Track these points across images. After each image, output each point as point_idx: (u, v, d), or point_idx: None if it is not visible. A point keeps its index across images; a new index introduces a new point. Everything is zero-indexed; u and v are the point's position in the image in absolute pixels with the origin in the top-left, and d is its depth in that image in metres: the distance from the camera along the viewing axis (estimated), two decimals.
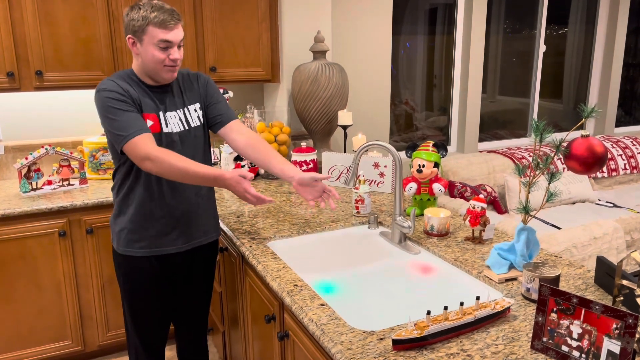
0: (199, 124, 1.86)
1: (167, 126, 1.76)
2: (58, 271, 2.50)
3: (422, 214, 2.16)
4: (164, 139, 1.75)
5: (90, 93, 2.93)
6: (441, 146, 2.13)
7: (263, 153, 1.84)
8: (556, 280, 1.40)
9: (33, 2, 2.45)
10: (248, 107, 3.06)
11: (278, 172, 1.83)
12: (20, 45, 2.48)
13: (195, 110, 1.85)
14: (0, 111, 2.81)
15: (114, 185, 1.83)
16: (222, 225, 2.16)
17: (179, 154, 1.70)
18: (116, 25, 2.63)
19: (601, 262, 1.47)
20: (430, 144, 2.13)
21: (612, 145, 4.45)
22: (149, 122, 1.72)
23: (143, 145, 1.61)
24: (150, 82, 1.77)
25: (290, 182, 1.84)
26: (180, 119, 1.80)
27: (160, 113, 1.76)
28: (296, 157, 2.71)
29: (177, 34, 1.70)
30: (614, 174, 4.36)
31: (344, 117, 2.87)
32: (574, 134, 4.09)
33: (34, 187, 2.59)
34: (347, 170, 2.62)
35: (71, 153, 2.66)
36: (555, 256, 1.73)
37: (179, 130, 1.79)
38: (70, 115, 2.95)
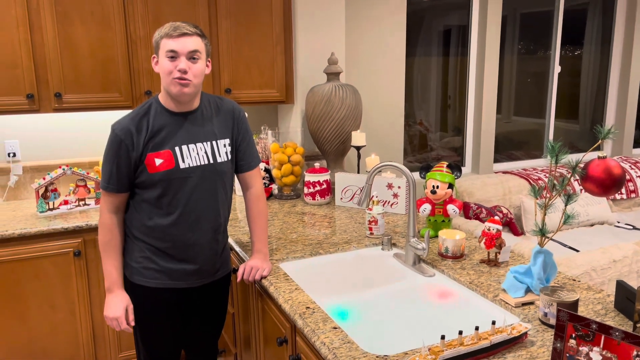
0: (226, 159, 1.81)
1: (183, 161, 1.71)
2: (72, 291, 2.51)
3: (436, 236, 2.14)
4: (177, 175, 1.71)
5: (107, 114, 2.98)
6: (455, 167, 2.11)
7: (252, 219, 1.92)
8: (575, 304, 1.37)
9: (54, 25, 2.51)
10: (262, 127, 3.08)
11: (251, 238, 1.93)
12: (40, 68, 2.54)
13: (225, 146, 1.81)
14: (19, 132, 2.87)
15: (127, 214, 1.79)
16: (235, 245, 2.15)
17: (156, 211, 1.74)
18: (133, 47, 2.68)
19: (621, 286, 1.43)
20: (444, 165, 2.12)
21: (630, 166, 4.38)
22: (158, 161, 1.68)
23: (103, 206, 1.75)
24: (174, 108, 1.72)
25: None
26: (206, 152, 1.76)
27: (177, 148, 1.71)
28: (309, 177, 2.71)
29: (184, 43, 1.63)
30: (633, 195, 4.28)
31: (358, 137, 2.87)
32: (590, 155, 4.04)
33: (51, 206, 2.62)
34: (361, 191, 2.61)
35: (87, 173, 2.69)
36: (574, 280, 1.69)
37: (201, 163, 1.74)
38: (87, 135, 3.00)
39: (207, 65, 1.74)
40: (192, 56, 1.66)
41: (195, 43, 1.66)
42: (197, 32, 1.68)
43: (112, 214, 1.75)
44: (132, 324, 1.80)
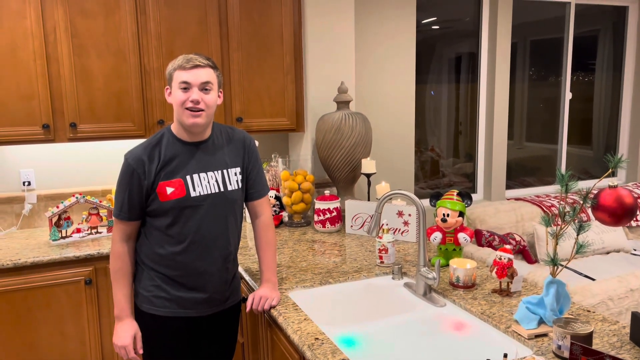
0: (236, 187, 1.82)
1: (194, 190, 1.73)
2: (82, 319, 2.51)
3: (447, 265, 2.11)
4: (188, 204, 1.72)
5: (120, 143, 3.02)
6: (466, 195, 2.10)
7: (261, 247, 1.93)
8: (589, 337, 1.34)
9: (70, 58, 2.58)
10: (273, 155, 3.10)
11: (260, 266, 1.93)
12: (56, 99, 2.60)
13: (236, 174, 1.83)
14: (34, 161, 2.92)
15: (139, 242, 1.81)
16: (244, 274, 2.15)
17: (166, 240, 1.75)
18: (147, 78, 2.73)
19: (636, 318, 1.40)
20: (455, 193, 2.11)
21: None
22: (169, 190, 1.70)
23: (115, 234, 1.77)
24: (186, 138, 1.75)
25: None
26: (217, 181, 1.77)
27: (188, 177, 1.73)
28: (320, 204, 2.71)
29: (196, 74, 1.66)
30: None
31: (368, 165, 2.88)
32: (602, 184, 3.99)
33: (64, 235, 2.64)
34: (371, 219, 2.61)
35: (100, 202, 2.72)
36: (588, 311, 1.66)
37: (212, 192, 1.76)
38: (101, 164, 3.04)
39: (219, 96, 1.77)
40: (204, 87, 1.69)
41: (207, 74, 1.69)
42: (209, 63, 1.71)
43: (123, 242, 1.77)
44: (141, 352, 1.80)
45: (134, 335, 1.79)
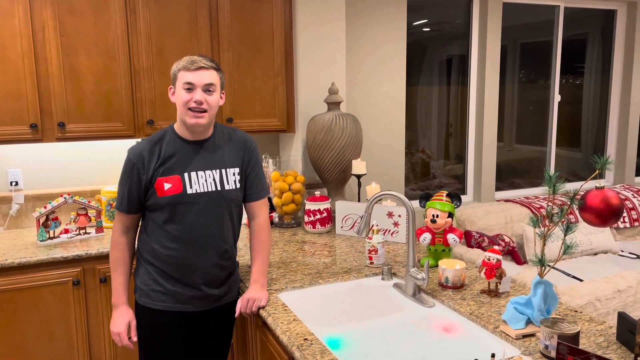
0: (234, 187, 1.86)
1: (191, 187, 1.77)
2: (70, 321, 2.49)
3: (436, 265, 2.12)
4: (184, 200, 1.76)
5: (109, 143, 3.00)
6: (455, 196, 2.11)
7: (254, 248, 1.94)
8: (576, 337, 1.35)
9: (59, 57, 2.56)
10: (263, 156, 3.10)
11: (251, 267, 1.93)
12: (44, 98, 2.57)
13: (234, 174, 1.86)
14: (21, 161, 2.89)
15: (138, 237, 1.88)
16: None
17: (171, 230, 1.78)
18: (137, 78, 2.72)
19: (622, 318, 1.41)
20: (444, 194, 2.12)
21: (633, 194, 4.37)
22: (167, 186, 1.75)
23: (116, 225, 1.84)
24: (188, 136, 1.80)
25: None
26: (215, 179, 1.81)
27: (186, 174, 1.77)
28: (310, 205, 2.71)
29: (200, 76, 1.71)
30: (637, 224, 4.25)
31: (358, 166, 2.88)
32: (589, 185, 4.02)
33: (51, 235, 2.62)
34: (361, 220, 2.61)
35: (89, 202, 2.70)
36: (575, 311, 1.67)
37: (208, 190, 1.79)
38: (89, 164, 3.02)
39: (221, 97, 1.82)
40: (207, 88, 1.74)
41: (211, 76, 1.74)
42: (213, 65, 1.77)
43: (122, 232, 1.83)
44: (134, 339, 1.86)
45: (128, 323, 1.85)
